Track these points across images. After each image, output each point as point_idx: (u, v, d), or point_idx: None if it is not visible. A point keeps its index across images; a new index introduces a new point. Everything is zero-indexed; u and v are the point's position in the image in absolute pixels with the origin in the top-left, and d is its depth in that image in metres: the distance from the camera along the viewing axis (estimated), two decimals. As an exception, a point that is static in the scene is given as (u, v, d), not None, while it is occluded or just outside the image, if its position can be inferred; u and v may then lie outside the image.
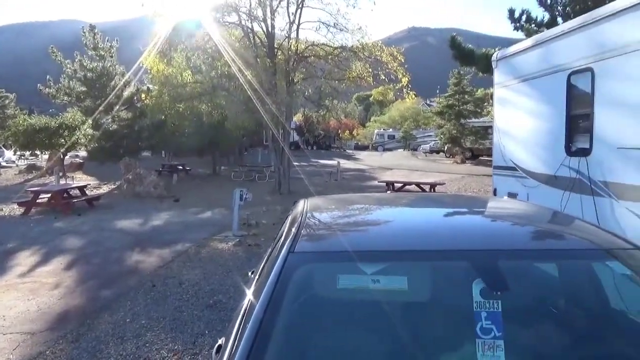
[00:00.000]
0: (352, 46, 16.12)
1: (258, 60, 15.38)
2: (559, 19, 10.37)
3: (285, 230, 2.10)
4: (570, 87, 4.98)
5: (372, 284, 1.64)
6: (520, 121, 5.98)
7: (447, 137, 36.60)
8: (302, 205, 2.49)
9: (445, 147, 38.57)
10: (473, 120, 35.49)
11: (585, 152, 4.65)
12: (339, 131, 55.05)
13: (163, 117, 18.78)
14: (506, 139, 6.28)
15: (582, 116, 4.77)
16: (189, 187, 18.67)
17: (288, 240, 1.82)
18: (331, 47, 16.36)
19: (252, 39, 15.98)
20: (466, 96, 36.04)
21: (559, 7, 10.52)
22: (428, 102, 61.71)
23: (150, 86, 21.18)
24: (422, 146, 47.00)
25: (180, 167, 23.60)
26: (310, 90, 17.33)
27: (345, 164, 29.21)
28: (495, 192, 6.48)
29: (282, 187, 16.32)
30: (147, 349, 4.31)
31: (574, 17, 6.86)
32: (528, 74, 5.83)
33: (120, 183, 17.21)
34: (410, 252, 1.71)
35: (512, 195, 5.85)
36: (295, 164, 22.63)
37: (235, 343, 1.45)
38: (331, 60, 16.24)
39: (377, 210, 2.48)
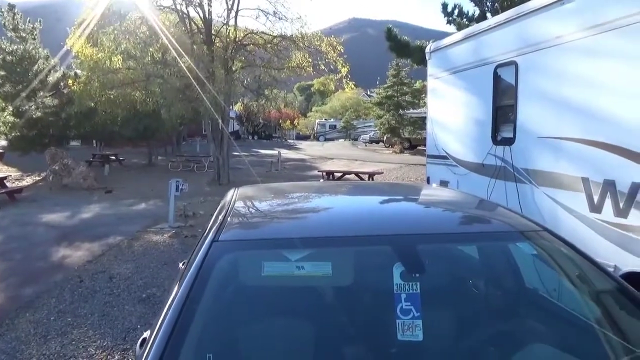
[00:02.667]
0: (292, 35, 15.99)
1: (195, 47, 14.89)
2: (488, 14, 10.86)
3: (212, 220, 2.05)
4: (496, 80, 5.22)
5: (297, 271, 1.64)
6: (451, 111, 6.21)
7: (386, 128, 37.39)
8: (231, 194, 2.45)
9: (385, 137, 39.41)
10: (411, 111, 36.48)
11: (509, 142, 4.90)
12: (280, 121, 54.76)
13: (93, 104, 17.72)
14: (438, 128, 6.50)
15: (507, 107, 5.02)
16: (123, 178, 17.87)
17: (213, 229, 1.78)
18: (270, 35, 16.15)
19: (188, 24, 15.44)
20: (405, 87, 36.94)
21: (488, 3, 11.00)
22: (368, 93, 62.70)
23: (79, 71, 19.97)
24: (362, 136, 47.72)
25: (113, 158, 22.50)
26: (249, 79, 17.04)
27: (286, 153, 29.12)
28: (428, 180, 6.71)
29: (222, 177, 16.01)
30: (72, 347, 4.10)
31: (502, 12, 7.17)
32: (459, 66, 6.05)
33: (46, 174, 16.15)
34: (334, 238, 1.73)
35: (443, 182, 6.07)
36: (236, 153, 22.28)
37: (154, 336, 1.40)
38: (270, 49, 16.04)
39: (305, 199, 2.49)
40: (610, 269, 3.66)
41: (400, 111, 36.38)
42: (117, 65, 15.39)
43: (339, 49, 16.05)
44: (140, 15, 14.92)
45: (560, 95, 4.23)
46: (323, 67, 16.54)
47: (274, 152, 25.12)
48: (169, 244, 7.59)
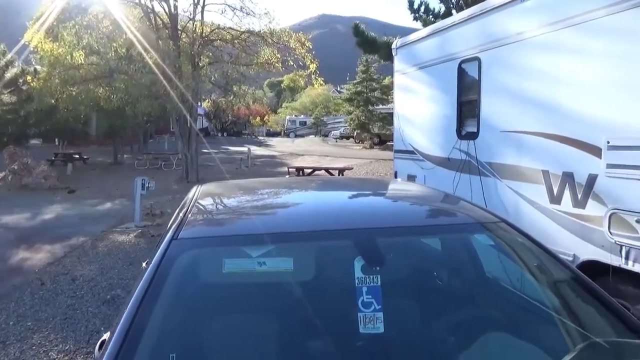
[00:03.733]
0: (260, 31, 15.88)
1: (160, 42, 14.57)
2: (454, 11, 11.03)
3: (173, 218, 2.01)
4: (460, 75, 5.30)
5: (258, 267, 1.63)
6: (417, 107, 6.28)
7: (356, 123, 37.63)
8: (193, 191, 2.41)
9: (355, 133, 39.65)
10: (381, 106, 36.79)
11: (473, 136, 4.99)
12: (250, 117, 54.33)
13: (53, 101, 17.11)
14: (405, 123, 6.57)
15: (471, 102, 5.10)
16: (87, 177, 17.37)
17: (173, 227, 1.74)
18: (238, 31, 15.99)
19: (153, 19, 15.10)
20: (374, 83, 37.24)
21: (453, 0, 11.18)
22: (338, 89, 62.86)
23: (38, 67, 19.27)
24: (332, 132, 47.86)
25: (77, 156, 21.82)
26: (217, 75, 16.82)
27: (256, 150, 28.95)
28: (396, 175, 6.77)
29: (190, 175, 15.76)
30: (33, 352, 3.96)
31: (467, 9, 7.29)
32: (424, 62, 6.11)
33: (5, 174, 15.53)
34: (295, 233, 1.72)
35: (411, 177, 6.14)
36: (205, 151, 22.00)
37: (110, 338, 1.36)
38: (238, 44, 15.89)
39: (269, 195, 2.47)
40: (569, 258, 3.80)
41: (370, 107, 36.65)
42: (79, 61, 14.93)
43: (307, 45, 16.04)
44: (103, 9, 14.51)
45: (521, 90, 4.33)
46: (292, 63, 16.50)
47: (244, 149, 24.93)
48: (135, 244, 7.43)
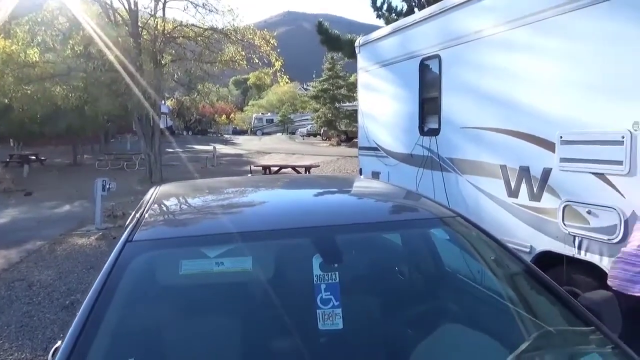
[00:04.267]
0: (223, 28, 15.67)
1: (120, 39, 14.16)
2: (416, 9, 11.19)
3: (128, 220, 1.97)
4: (422, 73, 5.39)
5: (217, 267, 1.61)
6: (381, 104, 6.34)
7: (323, 121, 37.73)
8: (151, 192, 2.36)
9: (322, 131, 39.75)
10: (347, 104, 36.97)
11: (435, 132, 5.09)
12: (216, 116, 53.62)
13: (7, 100, 16.37)
14: (369, 121, 6.63)
15: (432, 99, 5.19)
16: (45, 179, 16.75)
17: (127, 229, 1.70)
18: (201, 28, 15.72)
19: (112, 15, 14.67)
20: (340, 81, 37.40)
21: (414, -1, 11.36)
22: (305, 86, 62.80)
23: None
24: (299, 130, 47.84)
25: (33, 157, 20.99)
26: (180, 73, 16.50)
27: (222, 149, 28.63)
28: (361, 172, 6.83)
29: (154, 175, 15.42)
30: (-14, 363, 3.80)
31: (428, 7, 7.40)
32: (387, 60, 6.18)
33: (-44, 177, 14.80)
34: (253, 232, 1.71)
35: (375, 173, 6.21)
36: (170, 150, 21.58)
37: (61, 345, 1.31)
38: (202, 42, 15.62)
39: (228, 194, 2.45)
40: (527, 250, 3.92)
41: (337, 104, 36.81)
42: (34, 59, 14.34)
43: (272, 42, 15.94)
44: (59, 5, 13.99)
45: (480, 87, 4.44)
46: (257, 61, 16.35)
47: (210, 147, 24.58)
48: (95, 247, 7.22)
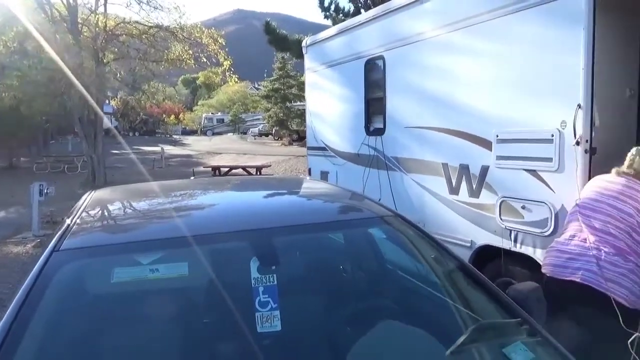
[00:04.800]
0: (169, 26, 15.27)
1: (58, 36, 13.49)
2: (362, 11, 11.36)
3: (57, 228, 1.88)
4: (367, 73, 5.48)
5: (151, 274, 1.57)
6: (328, 104, 6.40)
7: (274, 120, 37.56)
8: (83, 198, 2.27)
9: (274, 130, 39.56)
10: (299, 103, 36.94)
11: (380, 132, 5.19)
12: (164, 116, 52.17)
13: None
14: (317, 121, 6.67)
15: (378, 99, 5.30)
16: (-23, 184, 15.69)
17: (55, 237, 1.63)
18: (146, 25, 15.24)
19: (49, 11, 13.94)
20: (291, 80, 37.31)
21: (361, 0, 11.52)
22: (256, 86, 62.27)
23: None
24: (251, 129, 47.41)
25: (-36, 161, 19.68)
26: (123, 72, 15.94)
27: (171, 150, 27.90)
28: (310, 172, 6.86)
29: (97, 178, 14.81)
30: None
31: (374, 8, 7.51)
32: (334, 60, 6.24)
33: None
34: (189, 237, 1.68)
35: (324, 173, 6.26)
36: (115, 152, 20.80)
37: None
38: (146, 40, 15.15)
39: (165, 198, 2.38)
40: (468, 244, 4.09)
41: (288, 104, 36.72)
42: (-39, 56, 13.43)
43: (220, 41, 15.69)
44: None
45: (422, 87, 4.57)
46: (205, 60, 16.06)
47: (158, 148, 23.89)
48: (32, 255, 6.84)
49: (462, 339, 1.48)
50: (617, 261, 2.49)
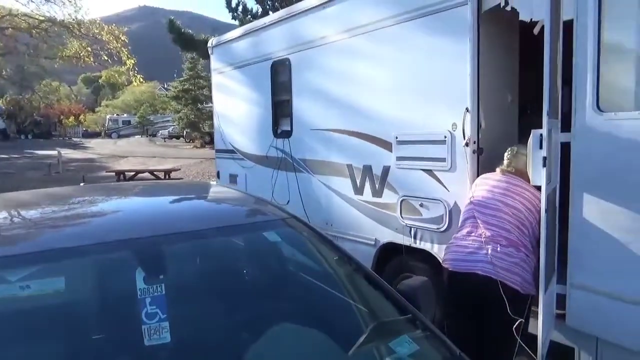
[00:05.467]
0: (64, 20, 14.16)
1: None
2: (270, 12, 11.36)
3: None
4: (274, 75, 5.48)
5: (21, 292, 1.43)
6: (235, 106, 6.30)
7: (185, 122, 36.25)
8: None
9: (185, 132, 38.23)
10: (210, 105, 35.99)
11: (288, 134, 5.22)
12: (62, 117, 48.27)
13: None
14: (225, 123, 6.55)
15: (284, 102, 5.32)
16: None
17: None
18: (36, 19, 14.01)
19: None
20: (202, 81, 36.18)
21: (269, 2, 11.51)
22: (165, 86, 59.73)
23: None
24: (161, 132, 45.48)
25: None
26: (9, 69, 14.51)
27: (70, 153, 25.86)
28: (218, 175, 6.72)
29: (-19, 186, 13.35)
30: None
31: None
32: (240, 62, 6.16)
33: None
34: (65, 249, 1.55)
35: (232, 176, 6.16)
36: (3, 156, 18.92)
37: None
38: (37, 34, 13.93)
39: (42, 207, 2.17)
40: (372, 242, 4.24)
41: (199, 105, 35.65)
42: None
43: (122, 38, 14.86)
44: None
45: (326, 90, 4.66)
46: (106, 58, 15.12)
47: (55, 152, 22.04)
48: None
49: (363, 337, 1.52)
50: (510, 252, 2.72)
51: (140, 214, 2.07)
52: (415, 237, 3.88)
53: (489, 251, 2.73)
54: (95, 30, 14.44)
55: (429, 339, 1.60)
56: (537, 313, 2.89)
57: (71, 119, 49.77)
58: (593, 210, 2.65)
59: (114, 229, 1.75)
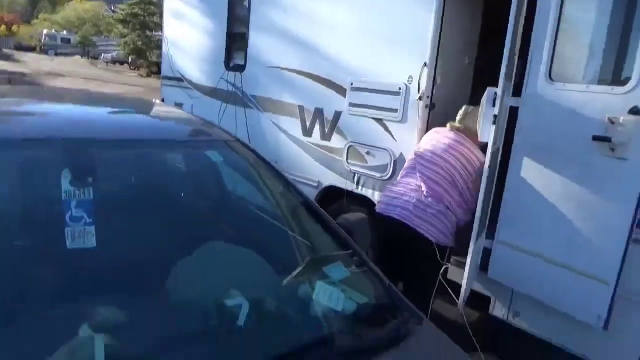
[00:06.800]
0: None
1: None
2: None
3: None
4: (231, 7, 5.18)
5: None
6: (188, 34, 5.95)
7: (131, 48, 34.15)
8: None
9: (130, 59, 36.09)
10: (160, 33, 33.99)
11: (240, 68, 5.01)
12: (-8, 24, 43.91)
13: None
14: (175, 50, 6.18)
15: (240, 35, 5.07)
16: None
17: None
18: None
19: None
20: (152, 7, 33.96)
21: None
22: (112, 8, 55.50)
23: None
24: (104, 55, 42.71)
25: None
26: None
27: (0, 65, 23.77)
28: (163, 102, 6.41)
29: None
30: None
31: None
32: (198, -13, 5.77)
33: None
34: None
35: (178, 104, 5.88)
36: None
37: None
38: None
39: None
40: (315, 184, 4.26)
41: (148, 32, 33.57)
42: None
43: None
44: None
45: (285, 28, 4.48)
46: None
47: (-20, 62, 20.14)
48: None
49: (298, 269, 1.52)
50: (430, 203, 2.81)
51: (74, 115, 1.91)
52: (357, 183, 3.93)
53: (410, 199, 2.82)
54: None
55: (361, 268, 1.63)
56: (458, 262, 3.07)
57: (2, 27, 45.38)
58: (530, 173, 2.77)
59: (43, 126, 1.60)
